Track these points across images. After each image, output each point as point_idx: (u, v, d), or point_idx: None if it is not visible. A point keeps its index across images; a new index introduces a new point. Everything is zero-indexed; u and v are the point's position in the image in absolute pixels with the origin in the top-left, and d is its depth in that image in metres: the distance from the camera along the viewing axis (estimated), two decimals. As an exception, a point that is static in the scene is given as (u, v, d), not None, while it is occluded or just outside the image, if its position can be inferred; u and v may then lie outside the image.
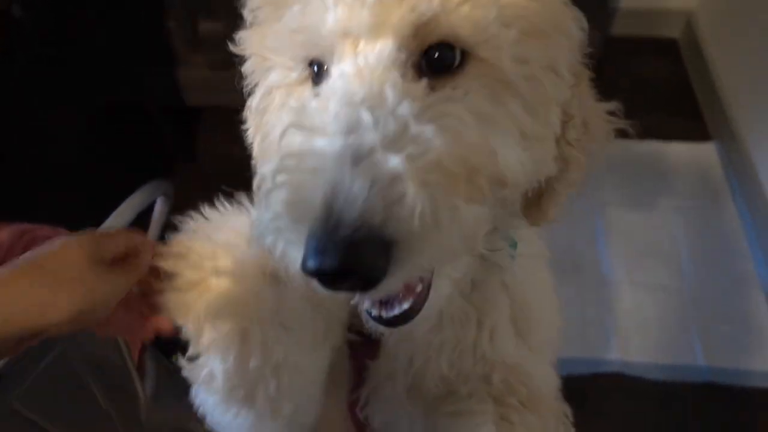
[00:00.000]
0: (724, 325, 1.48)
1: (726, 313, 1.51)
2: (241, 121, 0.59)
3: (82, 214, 0.84)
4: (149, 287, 0.57)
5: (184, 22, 1.71)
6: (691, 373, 1.41)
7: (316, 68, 0.48)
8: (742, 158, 1.74)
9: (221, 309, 0.55)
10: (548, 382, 0.66)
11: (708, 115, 1.97)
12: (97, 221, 0.86)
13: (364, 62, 0.42)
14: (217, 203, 0.61)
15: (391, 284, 0.37)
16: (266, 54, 0.51)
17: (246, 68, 0.54)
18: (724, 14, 1.98)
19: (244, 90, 0.56)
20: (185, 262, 0.57)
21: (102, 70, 1.51)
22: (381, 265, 0.36)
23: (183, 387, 0.60)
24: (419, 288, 0.45)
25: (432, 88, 0.42)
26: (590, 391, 1.39)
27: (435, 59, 0.43)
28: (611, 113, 0.57)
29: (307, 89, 0.49)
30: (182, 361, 0.58)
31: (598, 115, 0.56)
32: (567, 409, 0.66)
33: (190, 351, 0.57)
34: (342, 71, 0.43)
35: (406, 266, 0.37)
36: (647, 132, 1.88)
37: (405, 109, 0.39)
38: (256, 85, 0.55)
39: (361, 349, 0.64)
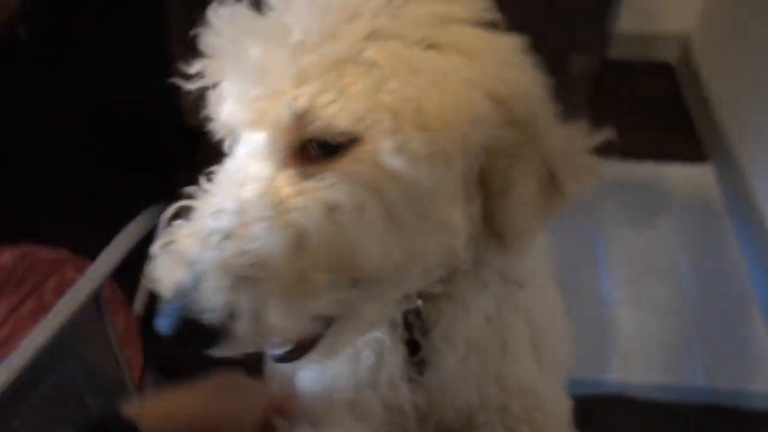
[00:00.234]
0: (724, 344, 1.48)
1: (726, 332, 1.50)
2: None
3: (82, 214, 0.84)
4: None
5: (184, 22, 1.72)
6: (692, 394, 1.41)
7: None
8: (738, 179, 1.75)
9: None
10: (561, 406, 0.66)
11: (704, 136, 1.99)
12: (97, 221, 0.85)
13: (243, 152, 0.47)
14: None
15: (230, 349, 0.44)
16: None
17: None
18: (719, 38, 2.01)
19: None
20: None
21: (102, 70, 1.51)
22: (204, 340, 0.43)
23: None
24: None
25: (306, 176, 0.45)
26: (594, 409, 1.38)
27: (316, 146, 0.45)
28: (600, 138, 0.56)
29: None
30: None
31: (573, 157, 0.54)
32: None
33: None
34: (232, 157, 0.49)
35: (229, 345, 0.43)
36: (644, 154, 1.90)
37: (256, 204, 0.44)
38: None
39: None
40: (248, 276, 0.42)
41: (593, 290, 1.58)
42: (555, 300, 0.68)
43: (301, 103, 0.44)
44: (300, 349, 0.50)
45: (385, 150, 0.44)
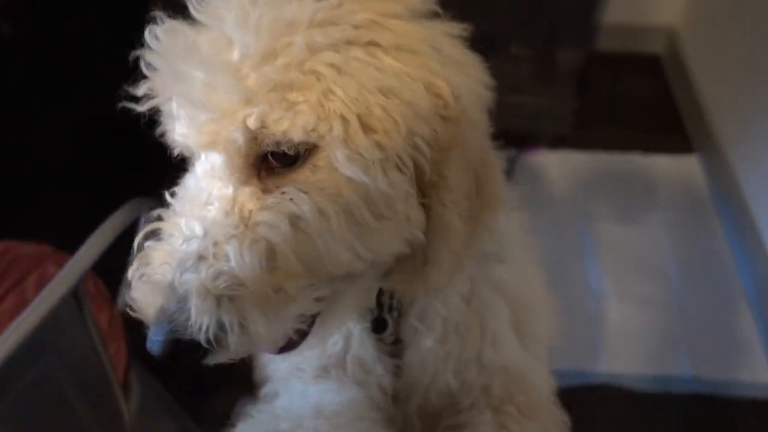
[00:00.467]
0: (710, 336, 1.49)
1: (712, 324, 1.51)
2: None
3: (82, 214, 0.83)
4: None
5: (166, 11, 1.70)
6: (678, 385, 1.42)
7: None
8: (725, 171, 1.76)
9: None
10: (545, 386, 0.66)
11: (691, 128, 2.00)
12: (97, 221, 0.84)
13: (202, 171, 0.48)
14: None
15: (224, 357, 0.46)
16: None
17: None
18: (706, 29, 2.02)
19: None
20: None
21: (102, 70, 1.49)
22: (200, 354, 0.45)
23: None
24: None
25: (267, 189, 0.47)
26: (580, 400, 1.38)
27: (275, 158, 0.46)
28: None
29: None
30: None
31: (488, 185, 0.54)
32: (565, 417, 0.66)
33: None
34: (190, 177, 0.49)
35: (222, 354, 0.46)
36: (631, 146, 1.91)
37: (223, 223, 0.45)
38: None
39: None
40: (227, 295, 0.44)
41: (581, 282, 1.59)
42: (535, 273, 0.68)
43: (252, 123, 0.44)
44: (291, 343, 0.52)
45: (338, 158, 0.45)
